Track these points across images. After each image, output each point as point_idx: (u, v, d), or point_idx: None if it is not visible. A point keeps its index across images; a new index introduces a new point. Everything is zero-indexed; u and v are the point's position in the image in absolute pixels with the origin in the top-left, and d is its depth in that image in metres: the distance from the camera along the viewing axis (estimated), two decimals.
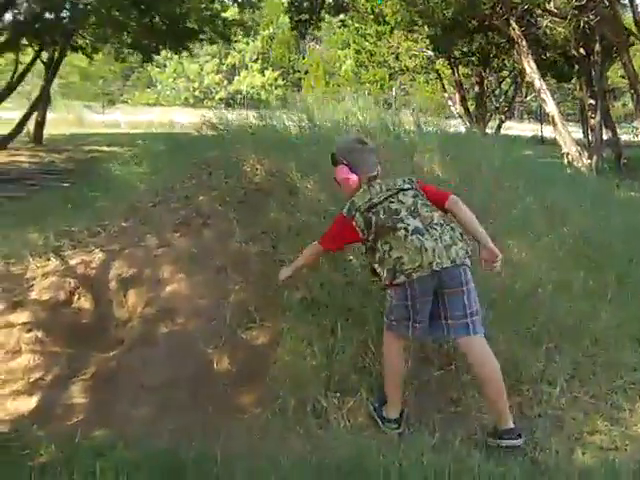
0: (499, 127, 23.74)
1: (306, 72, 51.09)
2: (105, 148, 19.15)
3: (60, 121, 27.97)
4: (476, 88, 24.17)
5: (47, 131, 22.49)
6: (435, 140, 6.34)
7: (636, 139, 20.94)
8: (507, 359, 4.27)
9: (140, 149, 8.02)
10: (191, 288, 4.72)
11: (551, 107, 14.48)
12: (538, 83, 14.43)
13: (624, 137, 21.20)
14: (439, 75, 25.88)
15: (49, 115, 23.38)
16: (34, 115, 20.94)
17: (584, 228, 5.65)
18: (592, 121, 17.65)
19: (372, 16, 21.07)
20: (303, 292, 4.55)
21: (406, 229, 3.61)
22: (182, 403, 4.09)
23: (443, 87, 26.14)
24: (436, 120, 8.04)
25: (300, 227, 5.03)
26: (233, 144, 5.76)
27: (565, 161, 14.52)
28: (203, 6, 19.12)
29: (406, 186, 3.82)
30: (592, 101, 17.56)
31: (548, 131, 23.65)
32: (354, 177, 3.87)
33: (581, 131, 20.42)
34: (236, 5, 20.62)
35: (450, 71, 24.45)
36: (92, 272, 4.98)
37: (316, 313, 4.47)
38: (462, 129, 13.91)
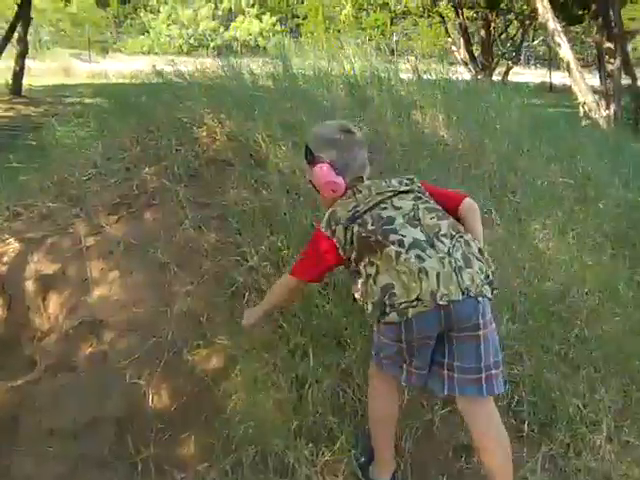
0: (506, 73, 22.56)
1: (305, 17, 49.42)
2: (88, 100, 17.87)
3: (45, 71, 26.68)
4: (482, 32, 22.97)
5: (29, 81, 21.21)
6: (438, 93, 5.19)
7: None
8: (535, 388, 3.24)
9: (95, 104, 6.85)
10: (125, 291, 3.67)
11: (566, 51, 13.18)
12: (552, 25, 13.12)
13: None
14: (442, 19, 24.65)
15: (34, 64, 22.09)
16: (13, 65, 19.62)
17: (626, 204, 4.52)
18: (610, 67, 16.32)
19: None
20: None
21: (400, 243, 2.57)
22: (102, 456, 3.08)
23: (447, 31, 24.89)
24: (439, 67, 6.80)
25: (269, 209, 3.99)
26: (186, 101, 4.60)
27: (581, 112, 13.29)
28: None
29: (404, 188, 2.80)
30: (610, 44, 16.20)
31: (557, 78, 22.49)
32: (339, 180, 2.81)
33: (597, 78, 19.09)
34: None
35: (454, 14, 23.19)
36: (4, 268, 3.90)
37: (285, 331, 3.42)
38: (467, 76, 12.77)
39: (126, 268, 3.74)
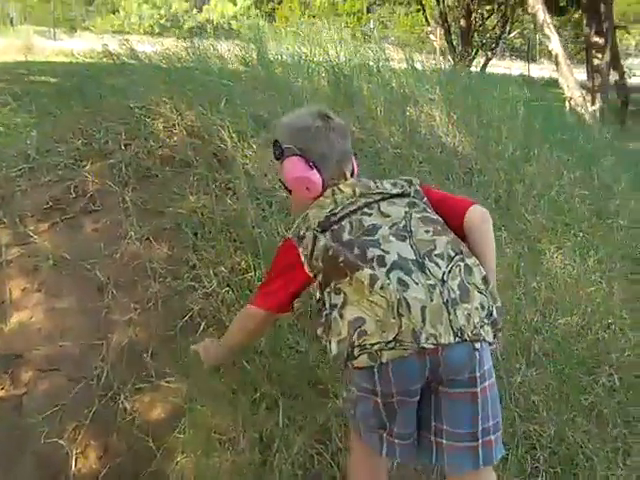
0: (485, 65, 22.15)
1: (280, 2, 48.99)
2: (51, 80, 17.01)
3: (9, 47, 25.86)
4: (461, 22, 22.55)
5: None
6: (436, 86, 4.52)
7: None
8: (554, 450, 2.61)
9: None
10: (52, 318, 2.99)
11: (555, 44, 12.63)
12: (542, 16, 12.54)
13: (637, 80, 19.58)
14: (422, 6, 24.28)
15: None
16: None
17: None
18: (596, 61, 15.82)
19: None
20: None
21: (380, 260, 1.99)
22: None
23: (426, 20, 24.52)
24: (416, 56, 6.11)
25: (233, 220, 3.35)
26: (140, 87, 3.89)
27: (567, 107, 12.77)
28: None
29: (396, 190, 2.23)
30: (598, 39, 15.68)
31: (534, 71, 22.35)
32: (314, 176, 2.24)
33: (583, 72, 18.65)
34: None
35: (434, 2, 22.87)
36: None
37: (247, 374, 2.74)
38: (444, 66, 12.29)
39: (55, 289, 3.05)
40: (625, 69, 18.65)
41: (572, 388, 2.94)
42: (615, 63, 16.27)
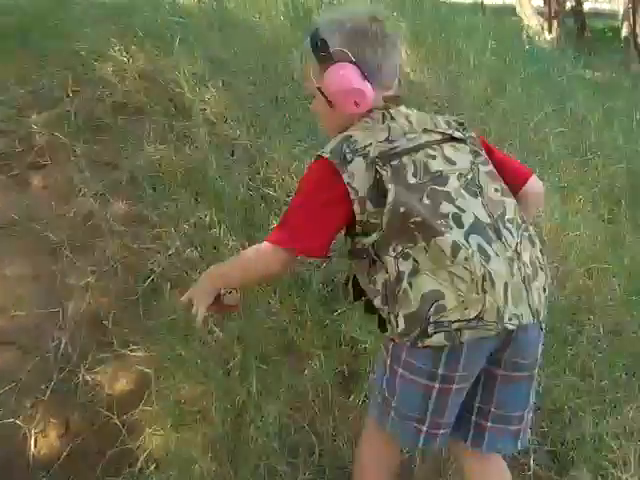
0: None
1: None
2: None
3: None
4: None
5: None
6: (399, 16, 4.28)
7: (601, 7, 19.13)
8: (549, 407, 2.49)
9: None
10: (1, 287, 2.75)
11: None
12: None
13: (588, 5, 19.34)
14: None
15: None
16: None
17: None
18: None
19: None
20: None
21: (457, 220, 1.69)
22: None
23: None
24: None
25: (194, 172, 3.12)
26: (87, 28, 3.59)
27: (524, 36, 12.53)
28: None
29: (457, 134, 1.86)
30: None
31: None
32: (367, 89, 1.79)
33: None
34: None
35: None
36: None
37: (217, 342, 2.57)
38: None
39: (3, 254, 2.80)
40: None
41: (555, 339, 2.82)
42: None
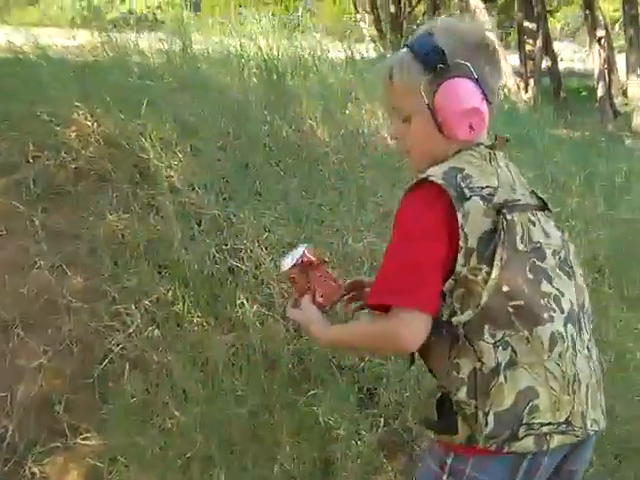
0: None
1: None
2: None
3: None
4: (391, 8, 22.26)
5: None
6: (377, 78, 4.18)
7: (576, 66, 19.41)
8: None
9: None
10: None
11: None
12: (474, 1, 12.34)
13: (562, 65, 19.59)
14: None
15: None
16: None
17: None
18: (529, 47, 15.80)
19: None
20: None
21: (559, 305, 1.45)
22: None
23: (355, 7, 24.20)
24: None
25: (159, 241, 2.99)
26: (50, 91, 3.46)
27: (501, 95, 12.66)
28: None
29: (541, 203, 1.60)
30: (530, 24, 15.62)
31: None
32: (485, 112, 1.50)
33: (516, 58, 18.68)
34: None
35: None
36: None
37: (177, 429, 2.39)
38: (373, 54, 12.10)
39: None
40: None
41: None
42: (547, 48, 16.22)
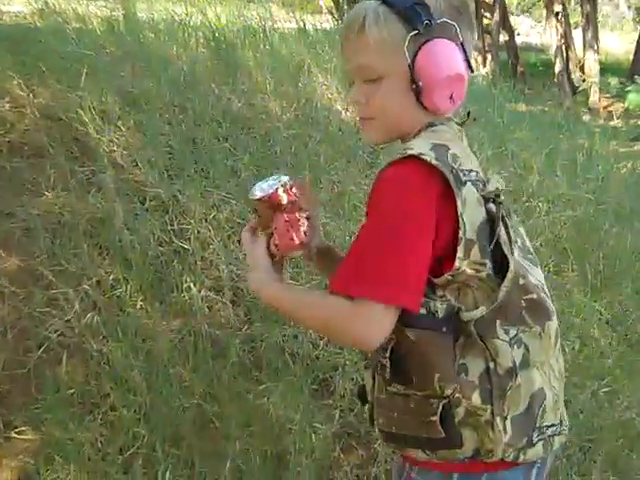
0: None
1: None
2: None
3: None
4: None
5: None
6: (331, 51, 4.06)
7: (533, 41, 19.57)
8: None
9: None
10: None
11: None
12: None
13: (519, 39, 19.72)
14: None
15: None
16: None
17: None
18: (486, 21, 15.85)
19: None
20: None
21: (551, 300, 1.35)
22: None
23: None
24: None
25: (100, 221, 2.83)
26: None
27: None
28: None
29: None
30: None
31: None
32: (465, 81, 1.30)
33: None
34: None
35: None
36: None
37: (118, 422, 2.26)
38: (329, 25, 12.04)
39: None
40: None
41: None
42: (504, 22, 16.28)
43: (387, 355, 1.26)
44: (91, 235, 2.76)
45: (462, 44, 1.28)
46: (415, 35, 1.23)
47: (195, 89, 3.53)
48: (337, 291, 1.21)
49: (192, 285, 2.67)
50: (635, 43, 19.35)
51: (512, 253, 1.23)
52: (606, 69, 16.13)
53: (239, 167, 3.18)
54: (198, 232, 2.86)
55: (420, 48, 1.24)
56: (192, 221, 2.88)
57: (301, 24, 4.65)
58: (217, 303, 2.70)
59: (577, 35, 16.34)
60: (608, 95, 15.69)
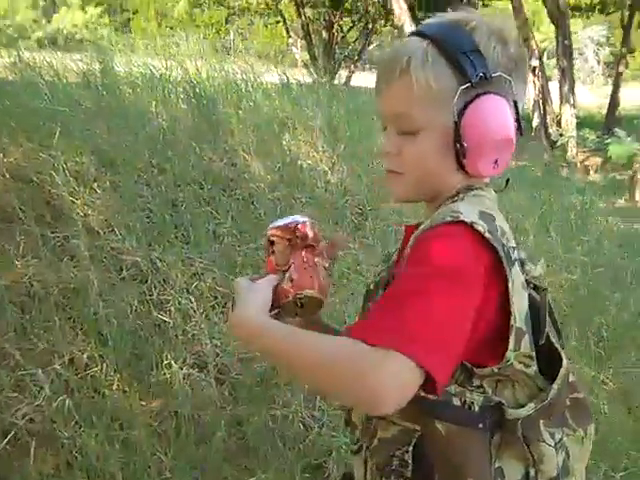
0: (349, 78, 22.08)
1: (135, 12, 48.07)
2: None
3: None
4: (324, 34, 22.38)
5: None
6: (316, 108, 3.94)
7: None
8: None
9: None
10: None
11: None
12: (409, 28, 12.40)
13: None
14: (283, 18, 23.95)
15: None
16: None
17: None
18: None
19: None
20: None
21: None
22: None
23: (287, 31, 24.24)
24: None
25: (73, 291, 2.65)
26: None
27: None
28: None
29: None
30: None
31: None
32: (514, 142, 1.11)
33: None
34: None
35: (296, 13, 22.59)
36: None
37: None
38: (308, 79, 12.14)
39: None
40: None
41: None
42: None
43: (410, 449, 1.05)
44: (63, 308, 2.59)
45: (515, 102, 1.11)
46: (468, 88, 1.06)
47: (175, 148, 3.39)
48: (359, 337, 0.94)
49: (173, 362, 2.48)
50: (609, 97, 19.67)
51: (563, 347, 1.10)
52: (580, 123, 16.31)
53: (222, 232, 3.02)
54: (179, 303, 2.68)
55: (470, 103, 1.07)
56: (172, 291, 2.70)
57: (283, 77, 4.53)
58: (200, 381, 2.51)
59: (552, 89, 16.54)
60: (585, 149, 15.85)
